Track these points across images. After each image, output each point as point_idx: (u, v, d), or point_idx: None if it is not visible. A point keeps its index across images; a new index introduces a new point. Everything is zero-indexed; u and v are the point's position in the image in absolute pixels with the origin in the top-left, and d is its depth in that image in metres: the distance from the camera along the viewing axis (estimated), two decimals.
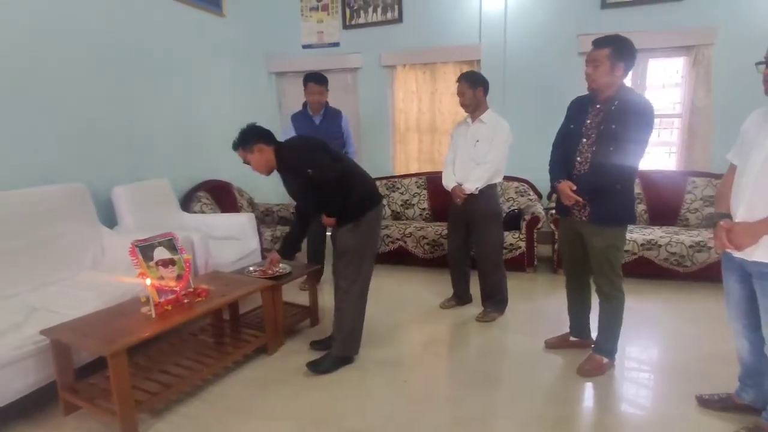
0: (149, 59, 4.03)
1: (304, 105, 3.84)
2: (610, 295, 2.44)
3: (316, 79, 3.71)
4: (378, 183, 5.07)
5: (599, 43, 2.27)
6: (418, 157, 5.39)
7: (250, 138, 2.51)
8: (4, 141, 2.95)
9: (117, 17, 3.71)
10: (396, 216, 5.00)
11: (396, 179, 5.10)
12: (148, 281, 2.25)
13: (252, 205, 4.85)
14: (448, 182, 3.20)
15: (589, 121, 2.37)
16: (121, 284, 2.70)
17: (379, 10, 5.26)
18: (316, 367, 2.57)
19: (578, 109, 2.46)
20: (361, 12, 5.33)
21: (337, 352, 2.62)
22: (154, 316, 2.25)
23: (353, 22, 5.38)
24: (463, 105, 3.11)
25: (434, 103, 5.22)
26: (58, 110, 3.28)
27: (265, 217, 4.91)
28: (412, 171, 5.33)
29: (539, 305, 3.55)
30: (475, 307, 3.40)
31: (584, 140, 2.38)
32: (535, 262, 4.23)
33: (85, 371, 2.36)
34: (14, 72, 3.01)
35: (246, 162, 2.56)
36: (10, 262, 2.65)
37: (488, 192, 3.10)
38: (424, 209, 4.91)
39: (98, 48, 3.55)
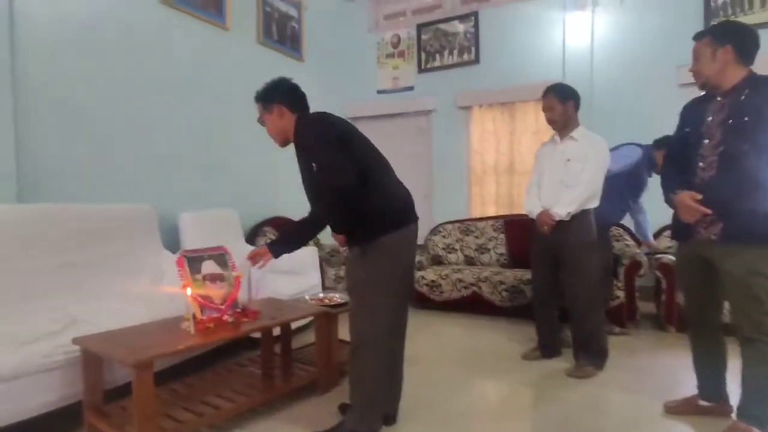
0: (230, 97, 4.14)
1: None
2: (757, 341, 1.84)
3: None
4: (450, 226, 4.75)
5: (698, 34, 2.00)
6: (496, 201, 5.01)
7: (274, 94, 1.98)
8: (85, 157, 3.03)
9: (203, 55, 3.87)
10: (470, 261, 4.56)
11: (470, 222, 4.72)
12: (189, 290, 2.03)
13: (318, 245, 4.66)
14: (533, 207, 2.78)
15: (710, 119, 1.94)
16: (171, 302, 2.52)
17: (455, 52, 5.17)
18: None
19: (694, 110, 2.06)
20: (437, 55, 5.28)
21: (350, 424, 1.95)
22: (193, 331, 2.01)
23: (428, 66, 5.33)
24: (551, 121, 2.77)
25: (513, 143, 4.90)
26: (140, 136, 3.37)
27: (330, 257, 4.69)
28: (489, 215, 4.94)
29: (646, 363, 2.89)
30: (566, 361, 2.83)
31: (706, 141, 1.94)
32: (638, 317, 3.56)
33: (118, 395, 2.12)
34: (105, 97, 3.15)
35: (261, 122, 2.06)
36: (66, 275, 2.58)
37: (582, 218, 2.65)
38: (501, 254, 4.44)
39: (183, 81, 3.69)
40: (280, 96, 1.97)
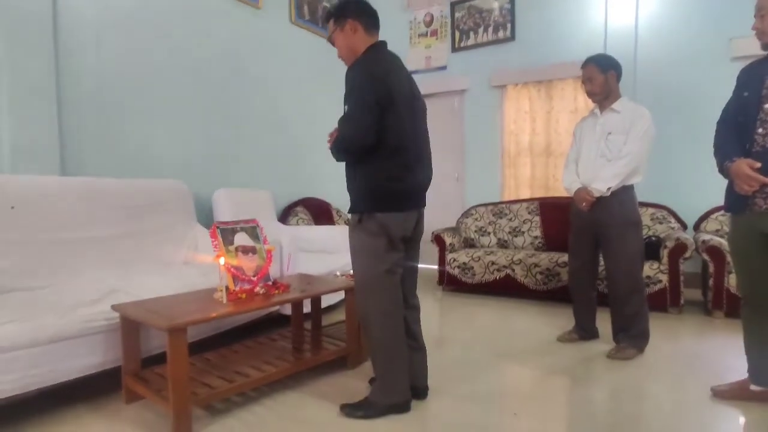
0: (263, 76, 4.16)
1: None
2: None
3: None
4: (483, 209, 4.65)
5: None
6: (531, 183, 4.86)
7: (347, 9, 1.90)
8: (126, 135, 3.09)
9: (236, 35, 3.89)
10: (502, 244, 4.46)
11: (503, 205, 4.60)
12: (222, 260, 2.05)
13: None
14: (571, 183, 2.67)
15: None
16: (204, 275, 2.56)
17: (490, 30, 5.02)
18: (351, 411, 1.92)
19: (753, 73, 1.91)
20: (471, 33, 5.14)
21: (372, 396, 1.94)
22: (225, 301, 2.02)
23: (462, 45, 5.20)
24: (590, 93, 2.63)
25: (550, 122, 4.73)
26: (176, 115, 3.42)
27: None
28: (523, 198, 4.80)
29: (692, 347, 2.76)
30: (605, 344, 2.73)
31: (767, 106, 1.79)
32: (682, 302, 3.39)
33: (155, 362, 2.17)
34: (144, 77, 3.21)
35: (331, 41, 1.97)
36: (106, 249, 2.66)
37: (623, 195, 2.52)
38: (536, 237, 4.32)
39: (217, 61, 3.72)
40: (353, 11, 1.91)
